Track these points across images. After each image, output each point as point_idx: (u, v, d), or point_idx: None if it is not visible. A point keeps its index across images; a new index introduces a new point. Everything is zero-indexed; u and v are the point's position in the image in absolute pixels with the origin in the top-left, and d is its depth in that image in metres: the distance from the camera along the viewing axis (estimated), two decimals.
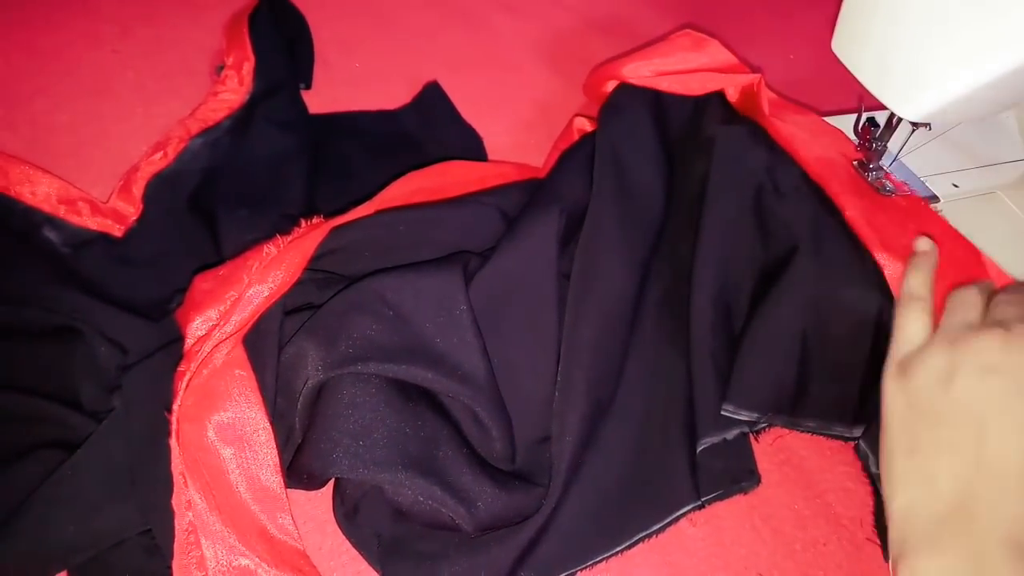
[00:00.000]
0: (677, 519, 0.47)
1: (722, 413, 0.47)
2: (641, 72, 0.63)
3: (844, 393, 0.48)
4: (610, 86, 0.64)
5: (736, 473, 0.48)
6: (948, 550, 0.35)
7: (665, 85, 0.62)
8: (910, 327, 0.43)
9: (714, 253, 0.51)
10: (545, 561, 0.44)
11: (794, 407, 0.48)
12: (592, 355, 0.48)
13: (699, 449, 0.47)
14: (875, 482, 0.45)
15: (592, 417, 0.47)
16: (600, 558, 0.45)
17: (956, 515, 0.36)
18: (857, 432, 0.47)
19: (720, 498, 0.48)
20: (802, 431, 0.49)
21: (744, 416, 0.47)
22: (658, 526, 0.46)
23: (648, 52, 0.63)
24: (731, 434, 0.48)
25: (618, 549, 0.45)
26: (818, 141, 0.54)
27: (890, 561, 0.38)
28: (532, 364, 0.49)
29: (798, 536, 0.49)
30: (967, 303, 0.42)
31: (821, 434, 0.48)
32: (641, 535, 0.46)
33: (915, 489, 0.38)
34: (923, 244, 0.47)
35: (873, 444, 0.45)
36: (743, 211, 0.53)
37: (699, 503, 0.47)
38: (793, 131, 0.54)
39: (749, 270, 0.52)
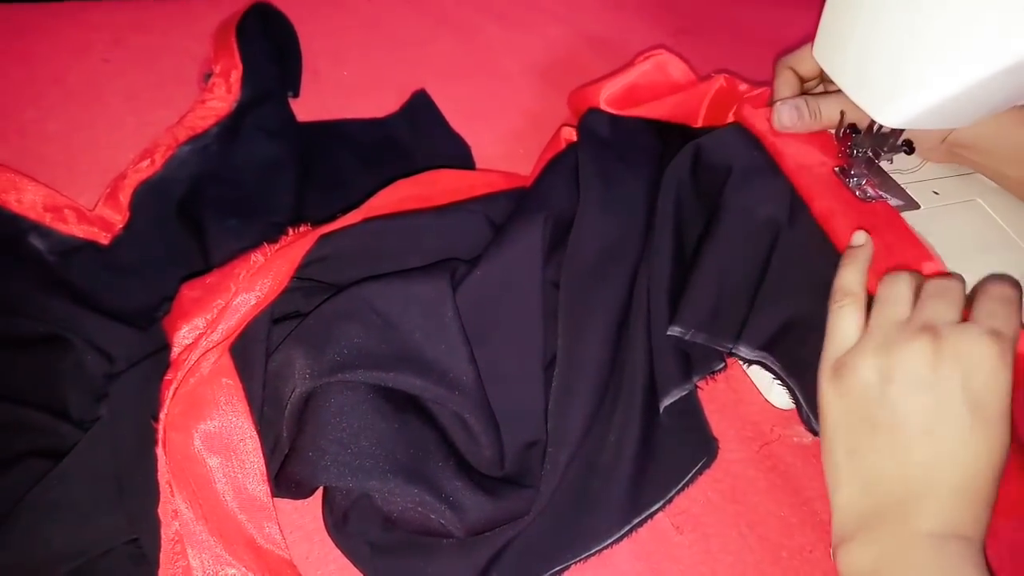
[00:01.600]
0: (647, 519, 0.48)
1: (668, 333, 0.51)
2: (613, 92, 0.65)
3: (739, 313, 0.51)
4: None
5: (695, 448, 0.50)
6: (881, 540, 0.39)
7: (640, 113, 0.64)
8: (842, 325, 0.44)
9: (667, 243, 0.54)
10: (527, 558, 0.44)
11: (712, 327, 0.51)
12: (591, 365, 0.49)
13: (662, 407, 0.50)
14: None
15: (590, 425, 0.48)
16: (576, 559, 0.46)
17: (890, 511, 0.39)
18: (742, 350, 0.50)
19: (686, 485, 0.49)
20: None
21: (677, 332, 0.51)
22: (626, 528, 0.47)
23: (618, 77, 0.65)
24: (686, 388, 0.51)
25: (590, 552, 0.46)
26: (802, 147, 0.54)
27: (831, 548, 0.42)
28: (518, 370, 0.50)
29: (784, 543, 0.49)
30: (896, 297, 0.43)
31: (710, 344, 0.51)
32: (610, 540, 0.47)
33: (855, 487, 0.41)
34: (858, 238, 0.48)
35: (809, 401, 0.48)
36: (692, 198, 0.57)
37: (668, 498, 0.48)
38: (776, 135, 0.55)
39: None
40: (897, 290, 0.43)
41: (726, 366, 0.52)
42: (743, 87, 0.62)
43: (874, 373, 0.41)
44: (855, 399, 0.42)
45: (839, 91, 0.51)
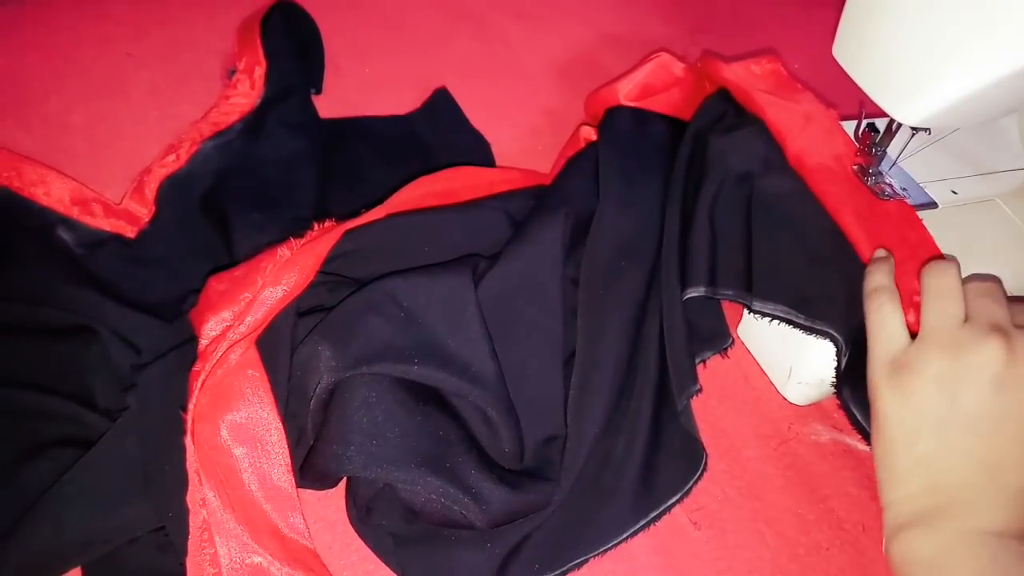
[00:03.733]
0: (663, 513, 0.48)
1: (684, 298, 0.51)
2: (626, 92, 0.66)
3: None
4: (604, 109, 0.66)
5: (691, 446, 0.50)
6: (943, 533, 0.39)
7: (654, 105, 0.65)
8: (889, 322, 0.44)
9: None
10: (546, 550, 0.45)
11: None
12: (610, 361, 0.49)
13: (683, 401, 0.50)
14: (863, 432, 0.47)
15: (608, 420, 0.48)
16: (594, 553, 0.46)
17: (954, 508, 0.40)
18: (756, 304, 0.50)
19: (699, 477, 0.49)
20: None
21: (691, 293, 0.51)
22: (643, 522, 0.47)
23: (628, 77, 0.67)
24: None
25: (607, 545, 0.46)
26: (819, 142, 0.55)
27: (884, 540, 0.42)
28: (538, 365, 0.50)
29: (801, 540, 0.49)
30: (948, 290, 0.43)
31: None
32: (627, 533, 0.47)
33: (916, 485, 0.41)
34: (880, 252, 0.48)
35: (859, 404, 0.47)
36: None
37: (685, 490, 0.48)
38: (793, 129, 0.55)
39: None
40: (947, 282, 0.43)
41: (733, 342, 0.53)
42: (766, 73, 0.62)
43: (944, 373, 0.41)
44: (921, 400, 0.41)
45: None
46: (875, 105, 0.48)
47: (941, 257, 0.48)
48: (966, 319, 0.42)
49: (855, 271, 0.48)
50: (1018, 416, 0.39)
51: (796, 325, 0.48)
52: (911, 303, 0.45)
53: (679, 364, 0.50)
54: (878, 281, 0.46)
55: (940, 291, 0.43)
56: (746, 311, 0.51)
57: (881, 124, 0.53)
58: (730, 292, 0.51)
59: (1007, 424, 0.39)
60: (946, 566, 0.39)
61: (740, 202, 0.54)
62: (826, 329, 0.48)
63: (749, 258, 0.51)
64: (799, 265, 0.50)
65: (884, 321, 0.44)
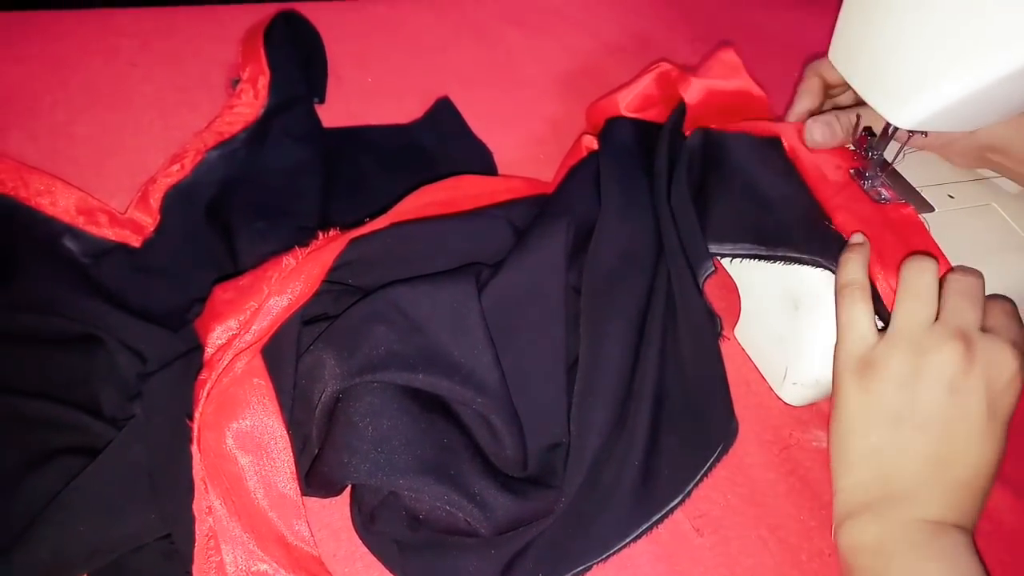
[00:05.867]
0: (665, 516, 0.48)
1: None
2: (627, 103, 0.67)
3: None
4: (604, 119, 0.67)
5: (710, 438, 0.51)
6: (887, 521, 0.43)
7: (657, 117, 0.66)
8: (857, 318, 0.46)
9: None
10: (549, 557, 0.45)
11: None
12: (612, 369, 0.50)
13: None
14: None
15: (611, 426, 0.49)
16: (597, 559, 0.46)
17: (899, 497, 0.43)
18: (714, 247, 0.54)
19: (703, 476, 0.50)
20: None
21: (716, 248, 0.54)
22: (645, 526, 0.48)
23: (629, 88, 0.68)
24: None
25: (610, 551, 0.47)
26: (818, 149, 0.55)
27: (833, 526, 0.46)
28: (541, 372, 0.50)
29: (804, 546, 0.50)
30: (923, 291, 0.45)
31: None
32: (629, 538, 0.47)
33: (866, 473, 0.45)
34: (856, 238, 0.50)
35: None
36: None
37: (687, 492, 0.49)
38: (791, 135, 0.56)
39: None
40: (923, 282, 0.45)
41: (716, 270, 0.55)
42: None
43: (905, 373, 0.44)
44: (882, 395, 0.44)
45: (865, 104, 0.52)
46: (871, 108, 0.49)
47: (939, 255, 0.49)
48: (938, 318, 0.44)
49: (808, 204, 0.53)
50: (967, 418, 0.43)
51: (760, 258, 0.52)
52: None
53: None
54: (851, 275, 0.47)
55: (914, 290, 0.45)
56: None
57: (878, 127, 0.53)
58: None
59: (957, 425, 0.43)
60: (889, 552, 0.42)
61: (697, 168, 0.58)
62: (788, 254, 0.51)
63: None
64: (754, 206, 0.54)
65: (854, 320, 0.47)
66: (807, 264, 0.50)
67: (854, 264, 0.48)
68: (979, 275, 0.46)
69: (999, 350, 0.43)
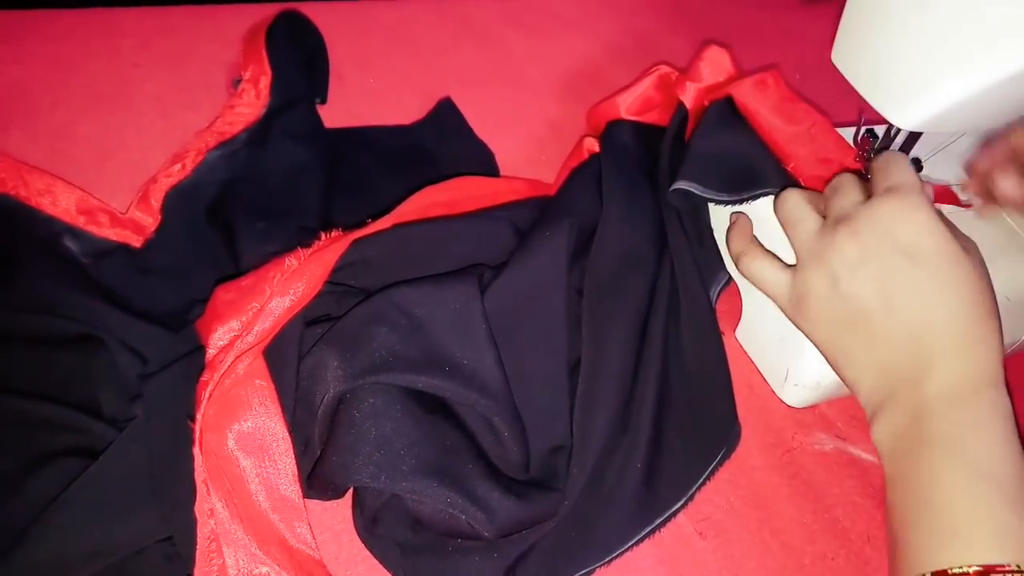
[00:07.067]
0: (669, 519, 0.48)
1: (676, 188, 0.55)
2: (627, 106, 0.67)
3: None
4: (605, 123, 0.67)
5: (714, 439, 0.51)
6: (894, 416, 0.40)
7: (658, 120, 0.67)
8: (764, 272, 0.49)
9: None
10: (551, 560, 0.45)
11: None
12: (614, 371, 0.50)
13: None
14: None
15: (614, 429, 0.48)
16: (599, 563, 0.46)
17: (902, 386, 0.41)
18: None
19: (707, 478, 0.50)
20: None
21: (683, 185, 0.55)
22: (648, 529, 0.48)
23: (629, 90, 0.68)
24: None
25: (612, 555, 0.46)
26: (819, 150, 0.55)
27: (872, 434, 0.42)
28: (543, 374, 0.50)
29: (807, 550, 0.49)
30: (799, 215, 0.47)
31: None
32: (631, 541, 0.47)
33: (871, 378, 0.43)
34: (733, 217, 0.54)
35: None
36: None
37: (689, 495, 0.49)
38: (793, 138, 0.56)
39: None
40: (789, 206, 0.48)
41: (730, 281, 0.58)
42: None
43: (823, 283, 0.44)
44: (821, 313, 0.44)
45: None
46: (874, 111, 0.49)
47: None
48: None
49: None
50: (897, 279, 0.41)
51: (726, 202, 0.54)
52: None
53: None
54: (738, 246, 0.51)
55: (789, 218, 0.47)
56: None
57: (880, 130, 0.53)
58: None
59: (893, 292, 0.41)
60: (898, 450, 0.40)
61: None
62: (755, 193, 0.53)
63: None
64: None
65: (761, 274, 0.49)
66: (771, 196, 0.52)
67: (736, 236, 0.52)
68: (846, 173, 0.48)
69: (877, 204, 0.42)
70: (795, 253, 0.47)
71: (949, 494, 0.37)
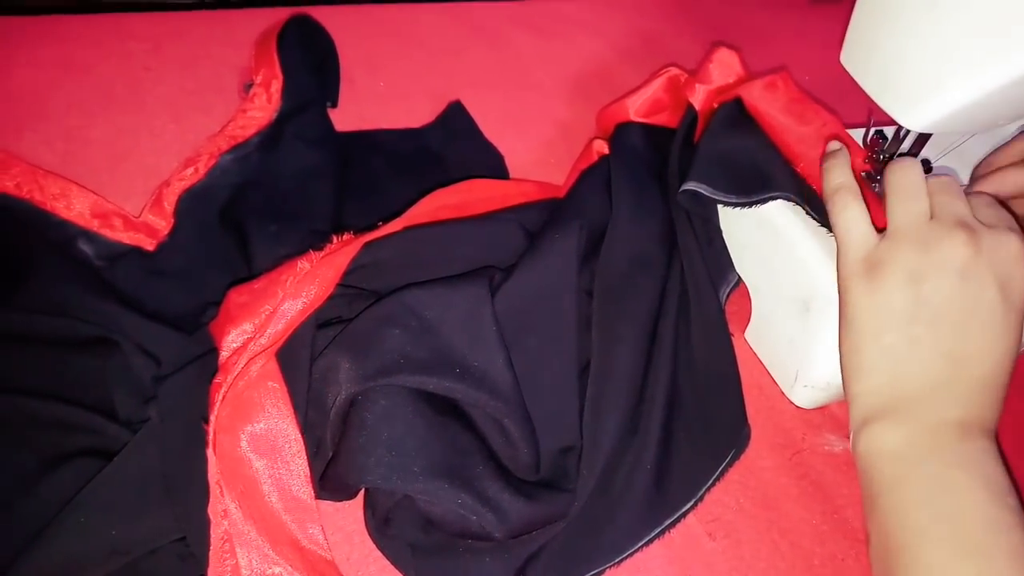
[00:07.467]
0: (678, 520, 0.49)
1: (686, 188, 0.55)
2: (636, 107, 0.68)
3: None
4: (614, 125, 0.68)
5: (723, 441, 0.51)
6: (910, 424, 0.41)
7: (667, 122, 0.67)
8: (856, 221, 0.46)
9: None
10: (561, 560, 0.45)
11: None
12: (624, 373, 0.50)
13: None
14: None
15: (624, 430, 0.49)
16: (609, 563, 0.46)
17: (919, 398, 0.41)
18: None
19: (717, 479, 0.50)
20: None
21: (692, 186, 0.54)
22: (658, 530, 0.48)
23: (639, 92, 0.68)
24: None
25: (622, 555, 0.47)
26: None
27: (851, 435, 0.44)
28: (553, 376, 0.50)
29: (816, 551, 0.50)
30: (912, 188, 0.45)
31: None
32: (641, 542, 0.47)
33: (882, 376, 0.43)
34: (833, 145, 0.50)
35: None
36: None
37: (699, 496, 0.49)
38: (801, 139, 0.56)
39: None
40: (911, 180, 0.45)
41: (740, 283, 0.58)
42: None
43: (913, 268, 0.42)
44: (891, 293, 0.43)
45: None
46: (884, 113, 0.49)
47: None
48: (932, 216, 0.43)
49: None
50: (981, 307, 0.41)
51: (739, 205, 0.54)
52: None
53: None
54: (837, 179, 0.48)
55: (905, 189, 0.45)
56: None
57: (889, 132, 0.54)
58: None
59: (971, 316, 0.41)
60: (911, 458, 0.40)
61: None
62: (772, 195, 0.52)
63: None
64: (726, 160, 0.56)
65: (850, 223, 0.46)
66: (781, 200, 0.52)
67: (838, 168, 0.48)
68: (954, 176, 0.46)
69: (1004, 235, 0.42)
70: (890, 222, 0.45)
71: (972, 512, 0.38)
